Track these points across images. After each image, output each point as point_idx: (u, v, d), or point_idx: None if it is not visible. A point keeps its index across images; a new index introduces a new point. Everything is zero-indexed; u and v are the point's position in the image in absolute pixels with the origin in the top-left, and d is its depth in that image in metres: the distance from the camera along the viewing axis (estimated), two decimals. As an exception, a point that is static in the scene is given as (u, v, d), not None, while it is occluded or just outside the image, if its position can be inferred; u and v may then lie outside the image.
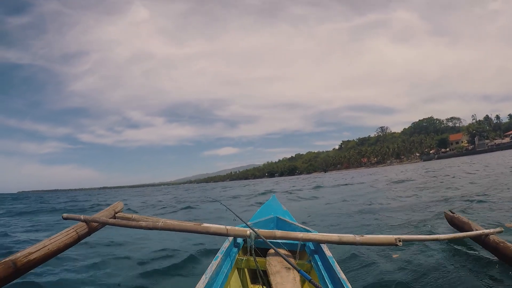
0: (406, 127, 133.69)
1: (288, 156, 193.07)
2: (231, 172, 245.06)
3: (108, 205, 3.14)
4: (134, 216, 2.81)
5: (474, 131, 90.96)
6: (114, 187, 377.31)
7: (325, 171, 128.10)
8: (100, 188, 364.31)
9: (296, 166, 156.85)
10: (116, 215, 3.00)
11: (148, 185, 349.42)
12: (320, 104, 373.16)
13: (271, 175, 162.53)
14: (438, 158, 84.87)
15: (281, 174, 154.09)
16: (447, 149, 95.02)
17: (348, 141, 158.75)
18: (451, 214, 3.38)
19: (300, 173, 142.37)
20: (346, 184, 18.99)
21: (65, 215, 2.84)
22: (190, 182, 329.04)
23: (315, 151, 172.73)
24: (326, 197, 12.04)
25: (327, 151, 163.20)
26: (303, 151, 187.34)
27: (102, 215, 2.91)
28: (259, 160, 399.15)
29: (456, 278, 2.66)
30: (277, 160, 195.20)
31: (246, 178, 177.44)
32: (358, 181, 21.23)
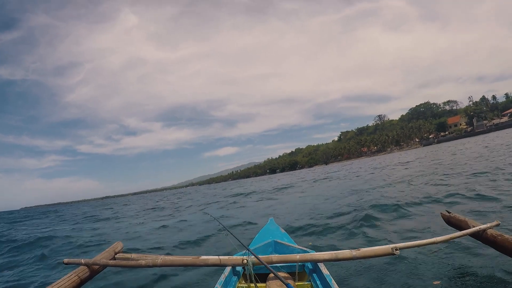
0: (404, 114, 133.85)
1: (288, 151, 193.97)
2: (232, 172, 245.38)
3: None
4: (134, 255, 2.86)
5: (471, 113, 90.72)
6: (116, 196, 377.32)
7: (326, 163, 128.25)
8: (102, 198, 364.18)
9: (296, 160, 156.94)
10: (116, 255, 3.04)
11: (150, 191, 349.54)
12: (317, 97, 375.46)
13: (273, 171, 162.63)
14: (438, 142, 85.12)
15: (283, 170, 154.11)
16: (446, 133, 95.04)
17: (347, 131, 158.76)
18: (448, 214, 3.33)
19: (302, 167, 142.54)
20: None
21: (66, 260, 2.84)
22: (192, 184, 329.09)
23: (315, 144, 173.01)
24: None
25: (326, 143, 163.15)
26: (303, 145, 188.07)
27: (102, 257, 2.98)
28: (260, 157, 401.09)
29: (458, 276, 2.73)
30: (277, 156, 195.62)
31: (247, 177, 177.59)
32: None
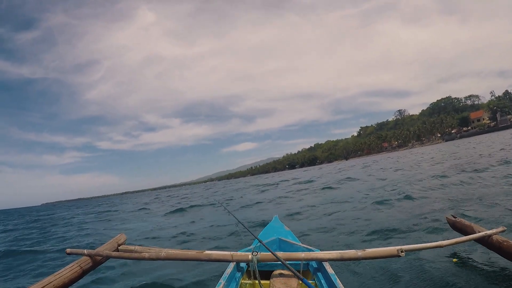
0: (424, 109, 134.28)
1: (307, 146, 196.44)
2: (251, 167, 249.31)
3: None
4: (137, 247, 2.87)
5: (495, 108, 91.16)
6: (136, 191, 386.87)
7: (346, 158, 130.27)
8: (122, 194, 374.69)
9: (316, 156, 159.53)
10: (119, 247, 3.03)
11: (169, 187, 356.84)
12: (336, 92, 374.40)
13: (292, 166, 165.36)
14: (461, 137, 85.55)
15: (302, 165, 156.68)
16: (469, 128, 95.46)
17: (367, 126, 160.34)
18: (453, 219, 3.33)
19: (321, 163, 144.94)
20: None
21: (68, 250, 2.85)
22: (211, 180, 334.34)
23: (334, 140, 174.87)
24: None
25: (346, 139, 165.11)
26: (322, 141, 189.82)
27: (105, 248, 2.95)
28: (278, 152, 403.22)
29: (463, 282, 2.69)
30: (296, 152, 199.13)
31: (267, 172, 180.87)
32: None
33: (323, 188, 13.26)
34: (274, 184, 23.82)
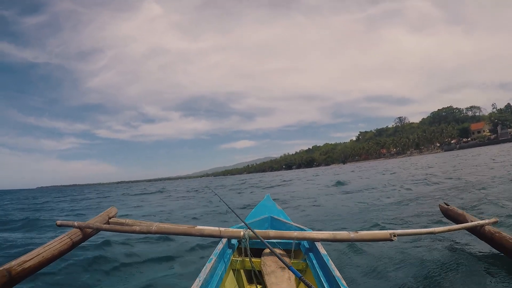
0: (425, 117, 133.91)
1: (305, 148, 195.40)
2: (248, 165, 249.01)
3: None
4: (128, 220, 2.85)
5: (496, 120, 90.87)
6: (131, 181, 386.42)
7: (344, 162, 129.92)
8: (117, 183, 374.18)
9: (313, 158, 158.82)
10: (109, 220, 3.01)
11: (165, 179, 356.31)
12: (337, 95, 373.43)
13: (289, 167, 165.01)
14: (460, 148, 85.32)
15: (299, 166, 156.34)
16: (469, 139, 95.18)
17: (366, 132, 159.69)
18: (446, 206, 3.34)
19: (318, 165, 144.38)
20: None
21: (58, 222, 2.81)
22: (207, 175, 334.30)
23: (332, 143, 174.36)
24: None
25: (344, 143, 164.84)
26: (320, 143, 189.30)
27: (96, 220, 2.94)
28: (276, 152, 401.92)
29: (453, 271, 2.70)
30: (294, 152, 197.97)
31: (263, 171, 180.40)
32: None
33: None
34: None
